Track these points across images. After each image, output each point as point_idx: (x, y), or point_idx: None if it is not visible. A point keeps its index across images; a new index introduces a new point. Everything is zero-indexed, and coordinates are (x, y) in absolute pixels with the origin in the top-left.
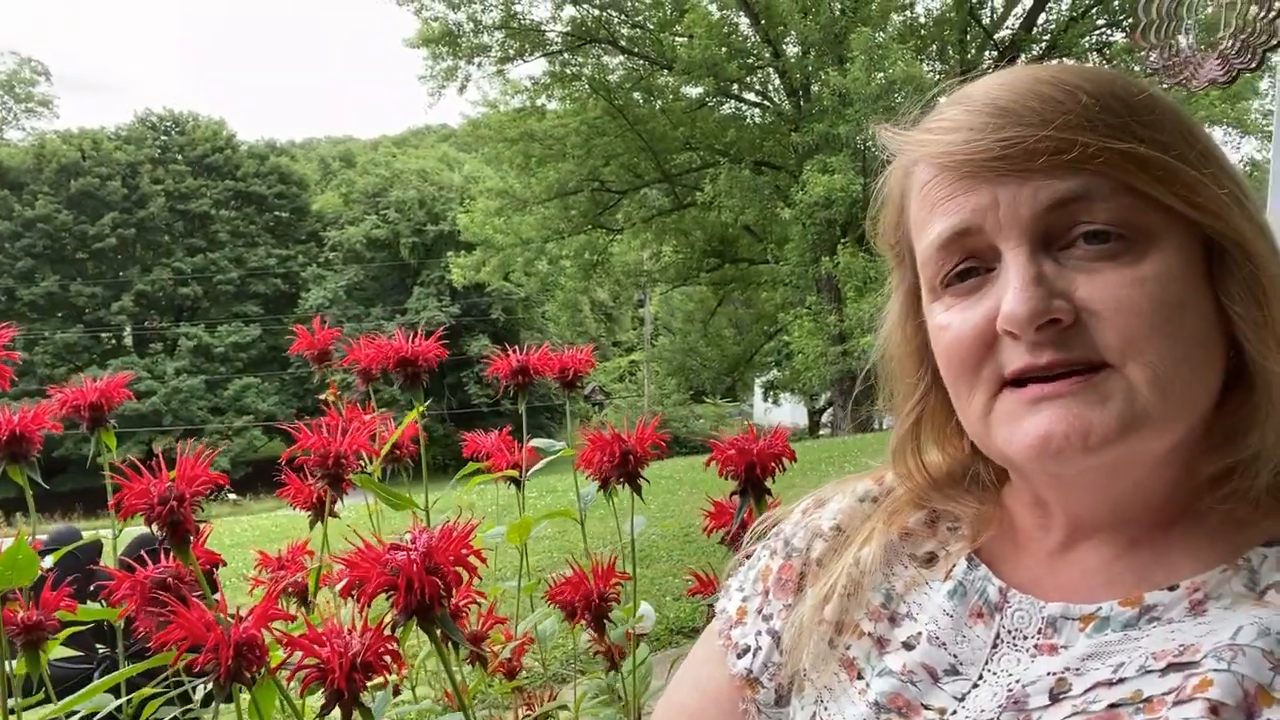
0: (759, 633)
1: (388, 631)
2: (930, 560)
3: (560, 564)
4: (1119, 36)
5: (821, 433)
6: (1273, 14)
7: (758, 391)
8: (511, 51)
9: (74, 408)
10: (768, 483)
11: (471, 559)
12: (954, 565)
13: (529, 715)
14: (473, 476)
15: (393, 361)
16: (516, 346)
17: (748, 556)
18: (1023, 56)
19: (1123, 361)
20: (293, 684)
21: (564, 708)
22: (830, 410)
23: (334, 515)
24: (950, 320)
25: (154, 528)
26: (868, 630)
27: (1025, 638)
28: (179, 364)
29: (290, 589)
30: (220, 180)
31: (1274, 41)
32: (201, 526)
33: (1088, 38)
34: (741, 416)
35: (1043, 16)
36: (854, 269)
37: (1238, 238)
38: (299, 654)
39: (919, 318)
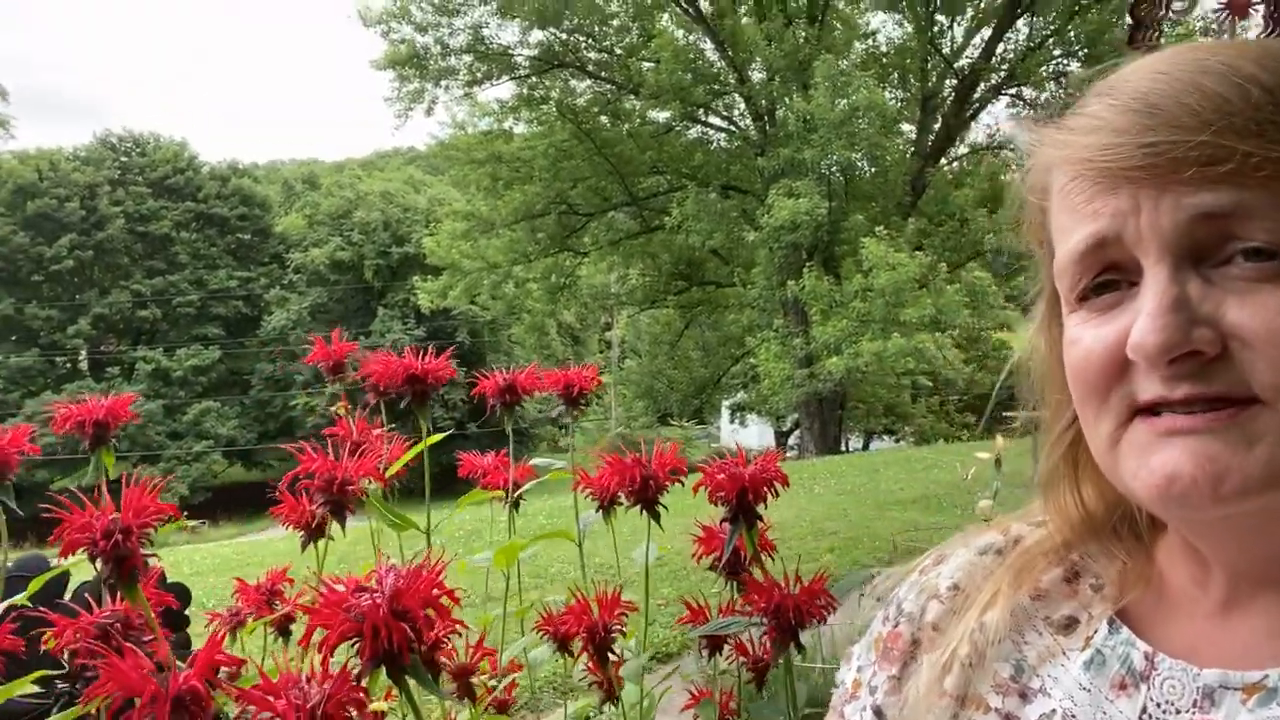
0: (864, 709)
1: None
2: (1069, 626)
3: (549, 581)
4: (1074, 66)
5: (789, 454)
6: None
7: (725, 414)
8: (479, 75)
9: (78, 424)
10: (759, 508)
11: (444, 600)
12: (1095, 630)
13: None
14: (467, 496)
15: (401, 378)
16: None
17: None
18: (981, 85)
19: (1276, 398)
20: None
21: None
22: (797, 432)
23: (329, 537)
24: (1081, 335)
25: (97, 565)
26: (995, 706)
27: (1177, 711)
28: (137, 388)
29: (271, 625)
30: (181, 202)
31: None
32: (152, 563)
33: (1045, 67)
34: (708, 439)
35: (1001, 46)
36: (819, 292)
37: None
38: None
39: (1061, 324)
